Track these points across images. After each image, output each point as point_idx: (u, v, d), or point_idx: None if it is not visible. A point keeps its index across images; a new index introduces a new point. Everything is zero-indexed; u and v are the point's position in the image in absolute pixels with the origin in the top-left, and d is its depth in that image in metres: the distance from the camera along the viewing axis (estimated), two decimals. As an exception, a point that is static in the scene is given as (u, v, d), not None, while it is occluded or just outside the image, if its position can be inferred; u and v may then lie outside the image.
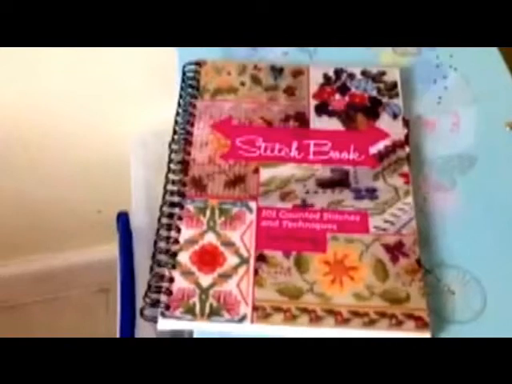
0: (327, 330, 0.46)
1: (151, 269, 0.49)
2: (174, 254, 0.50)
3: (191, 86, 0.61)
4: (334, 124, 0.58)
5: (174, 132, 0.57)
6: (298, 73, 0.62)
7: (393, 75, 0.62)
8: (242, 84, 0.61)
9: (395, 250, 0.50)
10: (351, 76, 0.62)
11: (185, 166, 0.55)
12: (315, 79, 0.62)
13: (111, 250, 0.70)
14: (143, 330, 0.57)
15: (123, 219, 0.68)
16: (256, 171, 0.55)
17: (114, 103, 0.83)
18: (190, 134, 0.57)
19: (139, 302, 0.49)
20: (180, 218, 0.52)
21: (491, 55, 0.65)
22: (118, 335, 0.59)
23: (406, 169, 0.55)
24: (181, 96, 0.60)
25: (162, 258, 0.50)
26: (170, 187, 0.54)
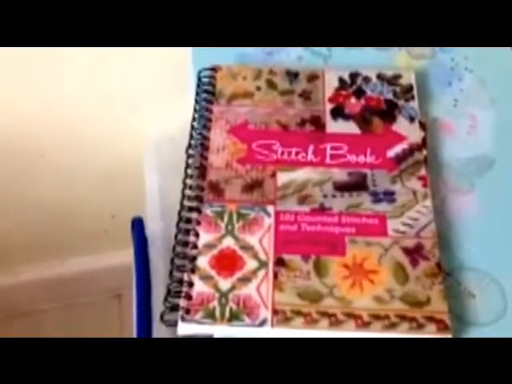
0: (348, 334, 0.46)
1: (170, 273, 0.49)
2: (193, 259, 0.50)
3: (207, 91, 0.61)
4: (350, 127, 0.58)
5: (191, 137, 0.57)
6: (313, 77, 0.62)
7: (408, 78, 0.62)
8: (258, 89, 0.61)
9: (415, 253, 0.50)
10: (366, 79, 0.62)
11: (202, 170, 0.55)
12: (330, 83, 0.62)
13: (124, 256, 0.69)
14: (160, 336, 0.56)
15: (138, 225, 0.68)
16: (273, 175, 0.55)
17: (128, 108, 0.83)
18: (206, 138, 0.57)
19: (155, 309, 0.49)
20: (198, 223, 0.52)
21: (506, 56, 0.65)
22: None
23: (423, 172, 0.55)
24: (196, 101, 0.60)
25: (181, 262, 0.50)
26: (187, 192, 0.54)
